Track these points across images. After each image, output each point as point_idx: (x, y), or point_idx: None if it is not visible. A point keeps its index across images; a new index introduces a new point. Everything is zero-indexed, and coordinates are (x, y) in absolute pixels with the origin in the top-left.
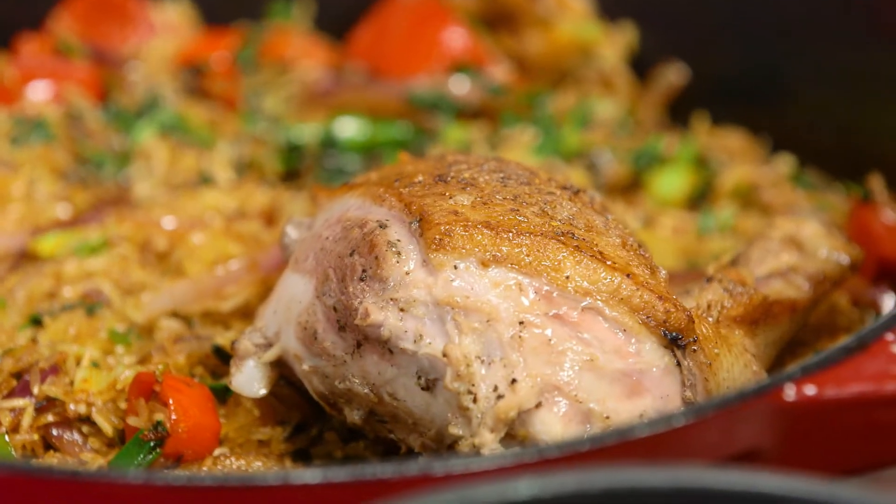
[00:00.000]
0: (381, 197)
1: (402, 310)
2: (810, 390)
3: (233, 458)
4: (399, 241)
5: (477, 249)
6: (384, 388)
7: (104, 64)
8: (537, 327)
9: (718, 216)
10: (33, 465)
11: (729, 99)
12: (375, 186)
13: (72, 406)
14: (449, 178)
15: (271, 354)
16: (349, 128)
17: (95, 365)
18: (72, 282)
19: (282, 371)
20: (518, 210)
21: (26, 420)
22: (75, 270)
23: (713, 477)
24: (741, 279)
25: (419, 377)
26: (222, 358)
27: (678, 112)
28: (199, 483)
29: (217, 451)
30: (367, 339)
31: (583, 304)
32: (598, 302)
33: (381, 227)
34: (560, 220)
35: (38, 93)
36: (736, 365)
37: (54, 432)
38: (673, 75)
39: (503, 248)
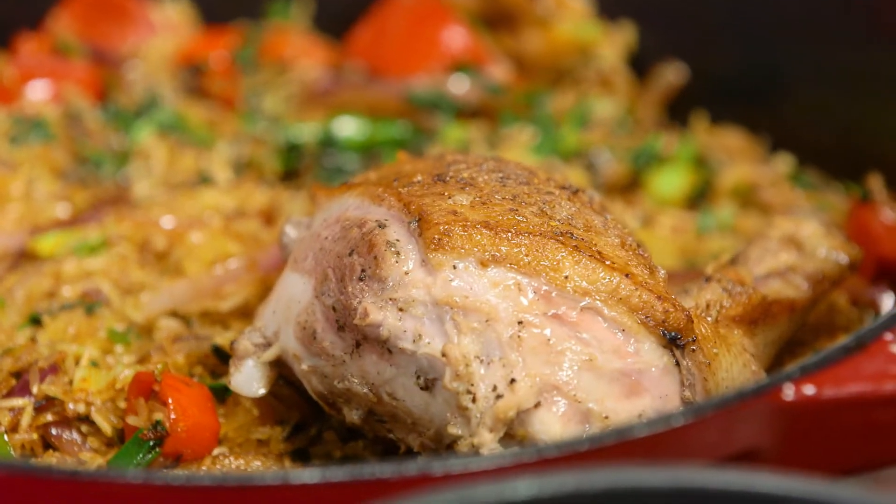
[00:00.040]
0: (379, 196)
1: (400, 309)
2: (809, 390)
3: (232, 458)
4: (398, 240)
5: (476, 249)
6: (383, 387)
7: (103, 63)
8: (536, 327)
9: (717, 215)
10: (32, 464)
11: (728, 98)
12: (374, 186)
13: (71, 405)
14: (448, 178)
15: (270, 354)
16: (348, 127)
17: (94, 364)
18: (71, 281)
19: (281, 371)
20: (517, 210)
21: (25, 419)
22: (74, 270)
23: (712, 477)
24: (740, 279)
25: (418, 377)
26: (221, 357)
27: (677, 111)
28: (198, 483)
29: (216, 451)
30: (366, 339)
31: (582, 303)
32: (597, 302)
33: (379, 226)
34: (559, 220)
35: (38, 92)
36: (735, 365)
37: (53, 432)
38: (672, 75)
39: (502, 248)
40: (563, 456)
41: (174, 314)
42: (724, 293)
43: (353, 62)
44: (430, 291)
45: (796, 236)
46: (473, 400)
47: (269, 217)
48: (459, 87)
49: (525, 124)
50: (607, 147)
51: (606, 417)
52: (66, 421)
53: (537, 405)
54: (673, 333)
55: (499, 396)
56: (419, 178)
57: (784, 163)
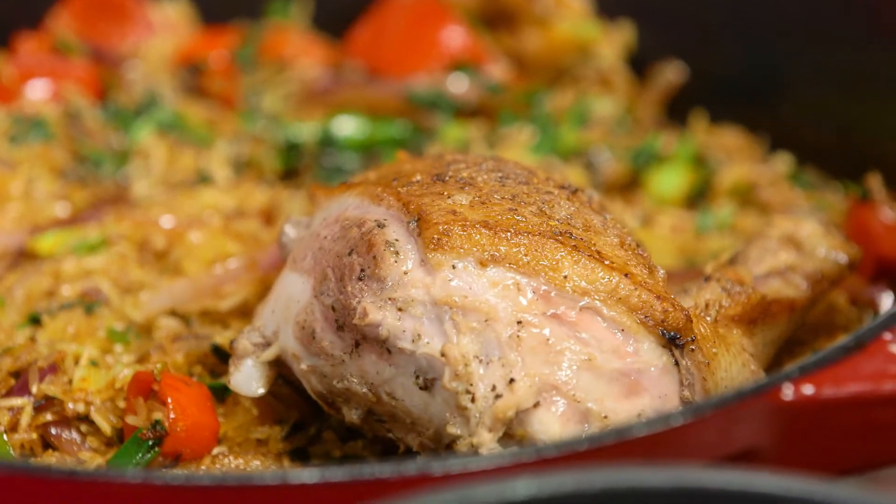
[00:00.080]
0: (379, 196)
1: (400, 309)
2: (808, 390)
3: (231, 457)
4: (397, 240)
5: (475, 249)
6: (382, 387)
7: (103, 63)
8: (535, 327)
9: (717, 215)
10: (32, 464)
11: (727, 97)
12: (374, 186)
13: (70, 405)
14: (447, 178)
15: (270, 354)
16: (348, 126)
17: (94, 364)
18: (70, 280)
19: (280, 370)
20: (516, 210)
21: (25, 419)
22: (74, 269)
23: (711, 476)
24: (739, 278)
25: (417, 377)
26: (221, 357)
27: (676, 110)
28: (198, 483)
29: (215, 450)
30: (365, 339)
31: (581, 303)
32: (596, 301)
33: (379, 226)
34: (558, 220)
35: (37, 91)
36: (734, 364)
37: (53, 431)
38: (671, 74)
39: (501, 248)
40: (562, 456)
41: (173, 313)
42: (724, 293)
43: (352, 61)
44: (430, 291)
45: (795, 236)
46: (472, 400)
47: (269, 216)
48: (459, 86)
49: (524, 123)
50: (606, 146)
51: (605, 417)
52: (65, 420)
53: (536, 405)
54: (672, 333)
55: (498, 396)
56: (418, 177)
57: (783, 162)
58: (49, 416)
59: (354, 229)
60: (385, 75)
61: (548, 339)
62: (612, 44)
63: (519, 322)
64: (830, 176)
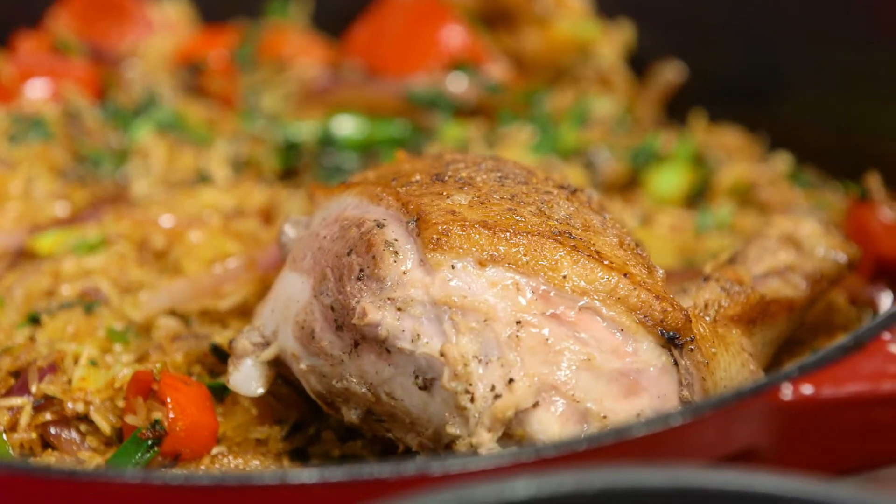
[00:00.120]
0: (378, 196)
1: (399, 309)
2: (807, 390)
3: (230, 457)
4: (396, 240)
5: (474, 249)
6: (382, 387)
7: (102, 62)
8: (534, 327)
9: (716, 214)
10: (31, 464)
11: (727, 97)
12: (373, 185)
13: (70, 404)
14: (446, 178)
15: (269, 353)
16: (347, 126)
17: (93, 363)
18: (70, 280)
19: (279, 370)
20: (515, 209)
21: (24, 418)
22: (73, 268)
23: (710, 476)
24: (738, 278)
25: (416, 376)
26: (220, 356)
27: (676, 110)
28: (197, 482)
29: (215, 450)
30: (364, 339)
31: (580, 303)
32: (596, 301)
33: (378, 226)
34: (557, 220)
35: (36, 91)
36: (733, 364)
37: (52, 431)
38: (671, 73)
39: (500, 248)
40: (562, 456)
41: (173, 313)
42: (723, 292)
43: (351, 61)
44: (429, 291)
45: (795, 235)
46: (472, 400)
47: (268, 216)
48: (458, 85)
49: (524, 123)
50: (606, 146)
51: (605, 417)
52: (64, 420)
53: (535, 405)
54: (671, 333)
55: (497, 396)
56: (417, 177)
57: (783, 162)
58: (48, 416)
59: (353, 229)
60: (384, 75)
61: (547, 339)
62: (611, 43)
63: (518, 322)
64: (830, 175)
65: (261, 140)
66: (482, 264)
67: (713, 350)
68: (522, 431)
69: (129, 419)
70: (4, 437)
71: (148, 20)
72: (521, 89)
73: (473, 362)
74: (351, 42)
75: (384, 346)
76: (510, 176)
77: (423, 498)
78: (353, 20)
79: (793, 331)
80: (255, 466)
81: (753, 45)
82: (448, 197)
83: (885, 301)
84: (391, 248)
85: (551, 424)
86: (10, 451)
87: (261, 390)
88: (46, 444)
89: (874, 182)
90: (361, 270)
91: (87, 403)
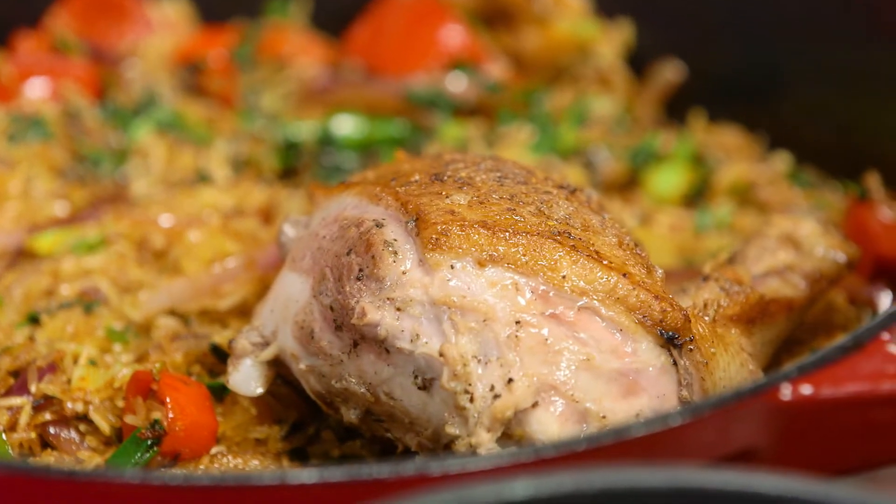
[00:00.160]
0: (377, 196)
1: (398, 309)
2: (806, 390)
3: (230, 457)
4: (395, 240)
5: (473, 249)
6: (381, 387)
7: (101, 61)
8: (534, 327)
9: (715, 214)
10: (30, 464)
11: (726, 96)
12: (372, 185)
13: (69, 404)
14: (445, 177)
15: (268, 353)
16: (346, 125)
17: (93, 363)
18: (69, 280)
19: (279, 370)
20: (515, 209)
21: (24, 418)
22: (73, 268)
23: (709, 476)
24: (738, 278)
25: (416, 377)
26: (220, 356)
27: (675, 109)
28: (196, 482)
29: (214, 450)
30: (363, 339)
31: (579, 303)
32: (595, 301)
33: (377, 226)
34: (556, 220)
35: (36, 90)
36: (732, 364)
37: (52, 430)
38: (670, 73)
39: (500, 248)
40: (561, 456)
41: (172, 313)
42: (722, 292)
43: (351, 60)
44: (428, 291)
45: (794, 235)
46: (471, 400)
47: (268, 215)
48: (457, 85)
49: (523, 122)
50: (605, 145)
51: (604, 417)
52: (64, 420)
53: (535, 405)
54: (670, 333)
55: (496, 396)
56: (417, 177)
57: (782, 161)
58: (48, 416)
59: (353, 229)
60: (384, 74)
61: (546, 339)
62: (610, 43)
63: (517, 322)
64: (829, 175)
65: (260, 140)
66: (481, 264)
67: (712, 350)
68: (522, 431)
69: (129, 419)
70: (4, 436)
71: (147, 20)
72: (521, 89)
73: (473, 362)
74: (350, 42)
75: (383, 346)
76: (509, 176)
77: (422, 498)
78: (352, 20)
79: (792, 330)
80: (254, 466)
81: (753, 44)
82: (447, 197)
83: (884, 301)
84: (390, 248)
85: (550, 424)
86: (10, 451)
87: (260, 390)
88: (46, 443)
89: (874, 182)
90: (361, 270)
91: (86, 403)
